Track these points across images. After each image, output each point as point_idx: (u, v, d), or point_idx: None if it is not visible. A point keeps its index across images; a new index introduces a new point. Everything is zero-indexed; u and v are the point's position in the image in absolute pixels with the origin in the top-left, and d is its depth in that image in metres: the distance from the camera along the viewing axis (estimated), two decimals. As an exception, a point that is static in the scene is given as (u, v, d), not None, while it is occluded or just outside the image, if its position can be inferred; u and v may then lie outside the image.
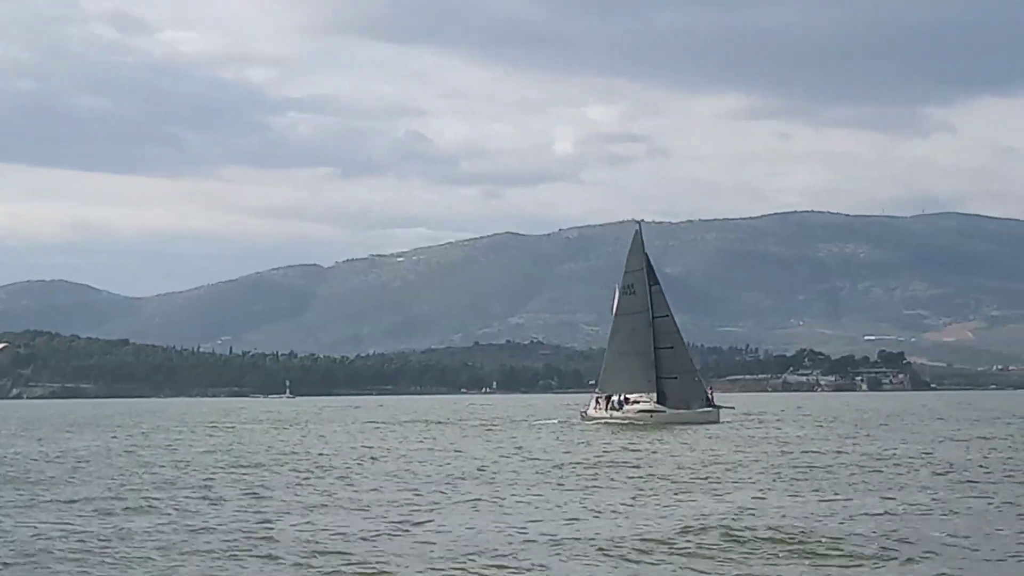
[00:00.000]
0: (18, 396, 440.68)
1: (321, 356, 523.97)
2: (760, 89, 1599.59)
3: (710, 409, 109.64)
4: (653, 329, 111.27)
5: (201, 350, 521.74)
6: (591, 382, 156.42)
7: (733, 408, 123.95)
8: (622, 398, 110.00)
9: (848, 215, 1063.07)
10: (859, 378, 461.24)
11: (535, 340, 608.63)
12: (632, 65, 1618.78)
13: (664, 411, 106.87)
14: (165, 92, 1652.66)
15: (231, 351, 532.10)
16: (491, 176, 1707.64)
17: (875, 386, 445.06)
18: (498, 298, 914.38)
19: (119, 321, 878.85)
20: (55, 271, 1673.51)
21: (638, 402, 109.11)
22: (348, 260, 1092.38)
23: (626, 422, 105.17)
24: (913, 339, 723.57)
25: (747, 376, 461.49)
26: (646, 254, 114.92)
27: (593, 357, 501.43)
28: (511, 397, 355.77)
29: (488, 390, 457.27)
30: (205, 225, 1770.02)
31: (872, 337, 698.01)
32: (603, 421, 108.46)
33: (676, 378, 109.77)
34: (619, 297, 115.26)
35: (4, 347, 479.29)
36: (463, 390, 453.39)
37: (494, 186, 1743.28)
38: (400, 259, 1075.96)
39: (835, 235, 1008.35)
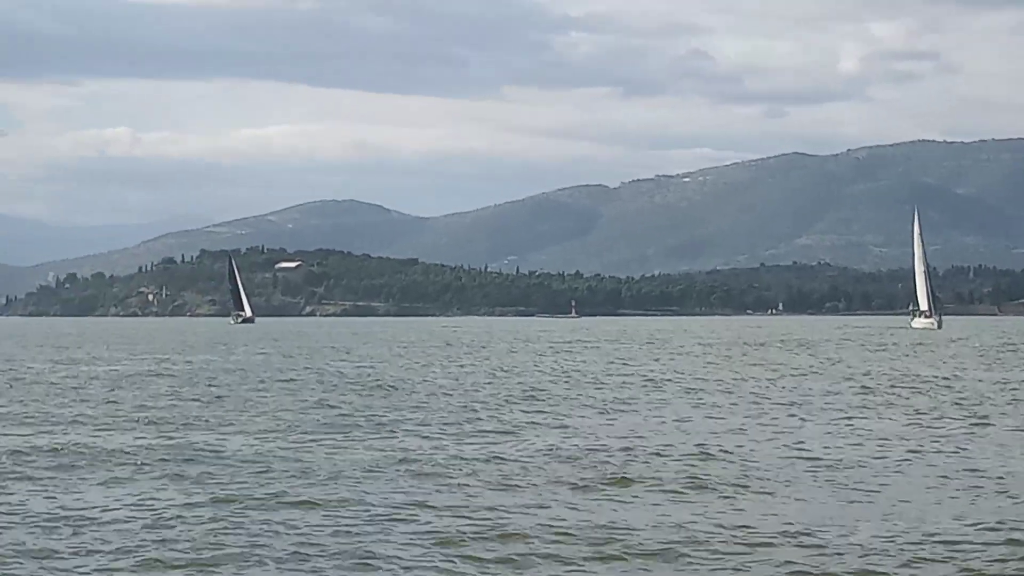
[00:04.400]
0: (311, 314, 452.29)
1: (606, 276, 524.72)
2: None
3: None
4: None
5: (488, 270, 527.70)
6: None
7: None
8: None
9: None
10: None
11: (822, 262, 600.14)
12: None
13: None
14: (445, 11, 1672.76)
15: (517, 271, 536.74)
16: (774, 95, 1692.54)
17: None
18: (784, 219, 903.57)
19: (408, 240, 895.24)
20: (346, 191, 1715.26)
21: None
22: (634, 181, 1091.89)
23: None
24: None
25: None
26: None
27: (881, 279, 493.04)
28: (800, 319, 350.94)
29: (774, 311, 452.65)
30: (488, 145, 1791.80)
31: None
32: None
33: None
34: None
35: (298, 266, 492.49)
36: (748, 311, 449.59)
37: (777, 105, 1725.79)
38: (686, 179, 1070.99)
39: None
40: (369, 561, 20.87)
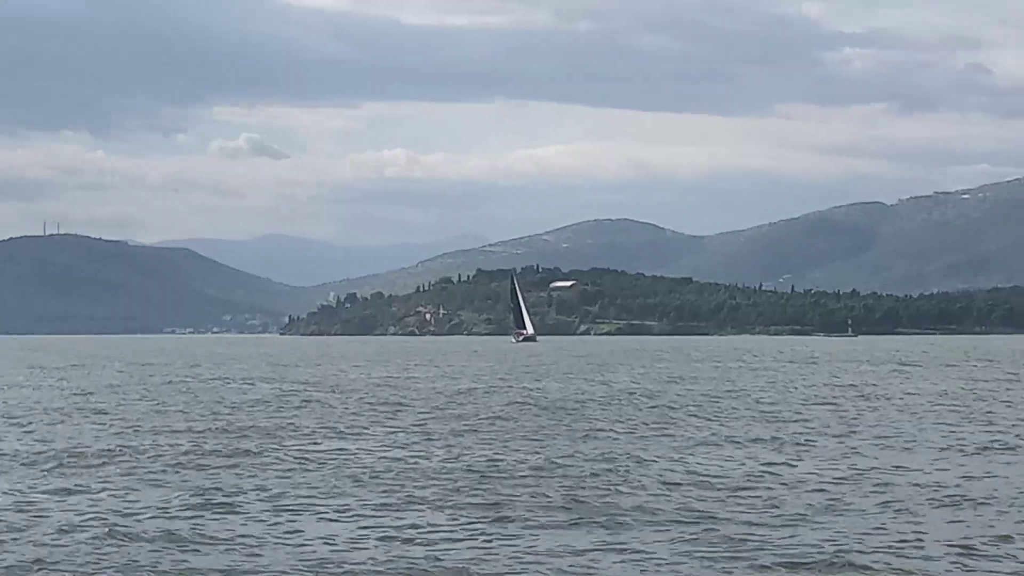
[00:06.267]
0: (585, 332, 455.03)
1: (883, 294, 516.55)
2: None
3: None
4: None
5: (763, 288, 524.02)
6: None
7: None
8: None
9: None
10: None
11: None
12: None
13: None
14: (720, 29, 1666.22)
15: (792, 289, 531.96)
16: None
17: None
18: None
19: (683, 259, 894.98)
20: (620, 210, 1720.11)
21: None
22: (912, 198, 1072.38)
23: None
24: None
25: None
26: None
27: None
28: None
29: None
30: (764, 163, 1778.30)
31: None
32: None
33: None
34: None
35: (572, 285, 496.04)
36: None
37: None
38: (965, 196, 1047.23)
39: None
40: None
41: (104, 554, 23.60)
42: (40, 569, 22.48)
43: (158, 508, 28.57)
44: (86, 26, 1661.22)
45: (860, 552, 23.43)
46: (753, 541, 24.47)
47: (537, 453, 39.39)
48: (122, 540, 24.79)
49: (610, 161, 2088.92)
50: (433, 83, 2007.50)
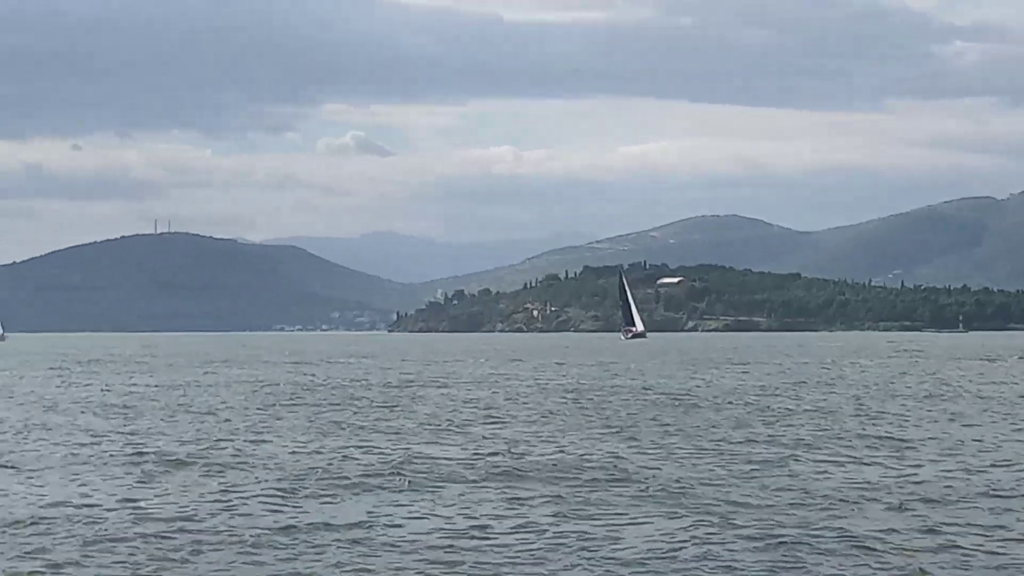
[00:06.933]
0: (693, 329, 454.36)
1: (994, 290, 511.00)
2: None
3: None
4: None
5: (872, 284, 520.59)
6: None
7: None
8: None
9: None
10: None
11: None
12: None
13: None
14: (825, 23, 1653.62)
15: (902, 285, 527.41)
16: None
17: None
18: None
19: (790, 255, 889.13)
20: (726, 206, 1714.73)
21: None
22: (1022, 192, 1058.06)
23: None
24: None
25: None
26: None
27: None
28: None
29: None
30: (871, 158, 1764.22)
31: None
32: None
33: None
34: None
35: (679, 281, 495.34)
36: None
37: None
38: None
39: None
40: None
41: (190, 554, 23.11)
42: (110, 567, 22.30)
43: (252, 504, 28.45)
44: (198, 26, 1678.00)
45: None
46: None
47: (643, 448, 39.66)
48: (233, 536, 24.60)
49: (715, 157, 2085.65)
50: (536, 79, 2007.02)
